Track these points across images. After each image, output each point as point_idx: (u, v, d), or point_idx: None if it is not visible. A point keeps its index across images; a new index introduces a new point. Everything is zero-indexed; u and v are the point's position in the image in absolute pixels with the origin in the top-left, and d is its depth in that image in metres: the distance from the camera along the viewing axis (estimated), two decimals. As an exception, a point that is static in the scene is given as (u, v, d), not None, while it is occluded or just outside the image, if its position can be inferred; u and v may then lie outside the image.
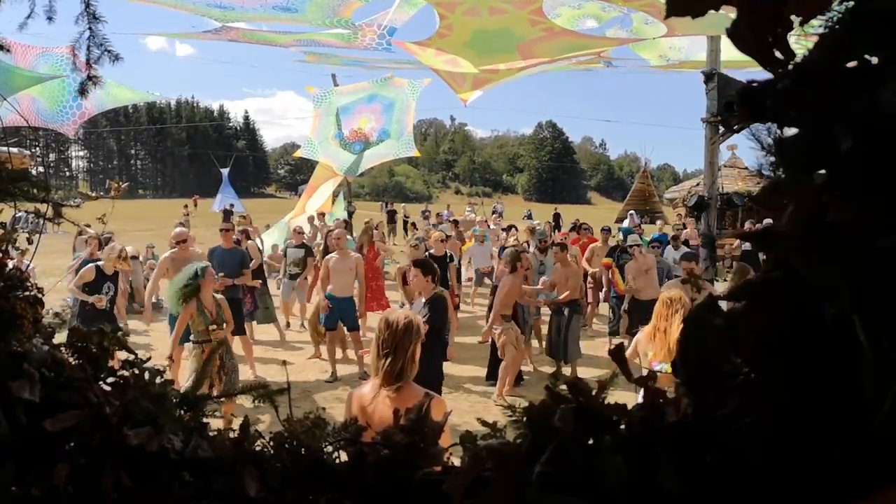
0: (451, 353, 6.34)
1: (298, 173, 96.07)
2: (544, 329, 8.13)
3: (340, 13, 7.65)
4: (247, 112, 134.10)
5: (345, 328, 7.66)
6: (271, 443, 0.88)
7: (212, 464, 0.83)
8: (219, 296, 5.83)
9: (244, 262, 7.77)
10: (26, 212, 1.13)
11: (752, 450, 0.60)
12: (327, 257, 7.77)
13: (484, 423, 0.89)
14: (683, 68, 9.50)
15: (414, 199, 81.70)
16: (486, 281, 11.34)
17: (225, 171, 25.02)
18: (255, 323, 8.84)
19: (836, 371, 0.59)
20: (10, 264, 1.06)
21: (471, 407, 6.34)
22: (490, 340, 7.05)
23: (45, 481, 0.76)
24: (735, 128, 0.68)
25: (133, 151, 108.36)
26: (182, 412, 0.94)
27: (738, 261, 13.03)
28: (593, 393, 0.75)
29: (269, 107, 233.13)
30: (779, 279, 0.63)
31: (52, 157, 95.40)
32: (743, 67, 7.36)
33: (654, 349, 4.13)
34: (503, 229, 10.82)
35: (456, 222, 14.77)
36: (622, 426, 0.70)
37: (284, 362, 8.06)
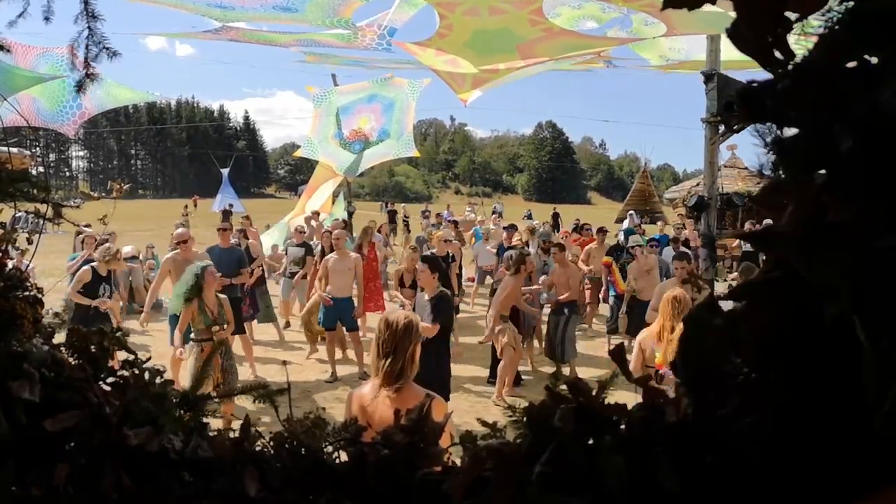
0: (457, 353, 6.35)
1: (298, 173, 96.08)
2: (544, 329, 8.14)
3: (341, 13, 7.64)
4: (247, 112, 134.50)
5: (344, 328, 7.67)
6: (271, 443, 0.88)
7: (212, 464, 0.83)
8: (222, 295, 5.85)
9: (242, 262, 7.77)
10: (26, 212, 1.13)
11: (752, 450, 0.60)
12: (326, 257, 7.77)
13: (484, 423, 0.89)
14: (683, 68, 9.50)
15: (414, 199, 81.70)
16: (489, 279, 11.35)
17: (225, 172, 25.05)
18: (255, 322, 8.83)
19: (836, 371, 0.59)
20: (10, 264, 1.06)
21: (471, 407, 6.34)
22: (492, 341, 7.06)
23: (45, 481, 0.76)
24: (735, 128, 0.68)
25: (133, 151, 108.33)
26: (182, 412, 0.94)
27: (739, 261, 13.04)
28: (593, 393, 0.75)
29: (269, 107, 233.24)
30: (779, 279, 0.63)
31: (52, 157, 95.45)
32: (743, 68, 7.35)
33: (662, 349, 4.13)
34: (505, 228, 10.82)
35: (456, 223, 14.78)
36: (622, 426, 0.70)
37: (284, 362, 8.06)
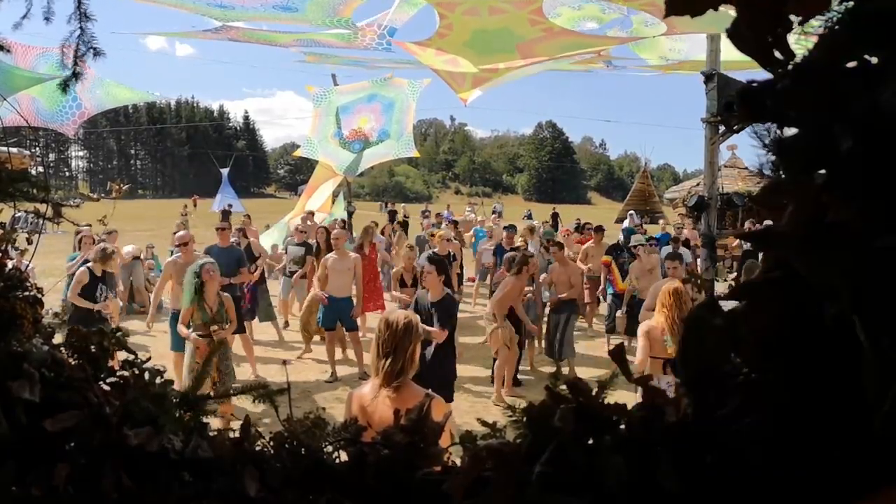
0: (458, 353, 6.35)
1: (298, 173, 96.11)
2: (544, 329, 8.14)
3: (341, 12, 7.64)
4: (247, 112, 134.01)
5: (343, 328, 7.67)
6: (271, 443, 0.88)
7: (212, 464, 0.83)
8: (224, 294, 5.85)
9: (241, 261, 7.77)
10: (26, 212, 1.13)
11: (752, 450, 0.60)
12: (325, 257, 7.77)
13: (484, 423, 0.89)
14: (683, 69, 9.49)
15: (414, 199, 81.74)
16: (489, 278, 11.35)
17: (225, 171, 25.08)
18: (255, 322, 8.84)
19: (836, 371, 0.59)
20: (10, 264, 1.06)
21: (471, 407, 6.34)
22: (491, 341, 7.06)
23: (45, 481, 0.76)
24: (735, 128, 0.68)
25: (133, 151, 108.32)
26: (182, 412, 0.94)
27: (740, 261, 13.04)
28: (593, 393, 0.75)
29: (269, 107, 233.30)
30: (779, 279, 0.63)
31: (52, 157, 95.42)
32: (743, 68, 7.35)
33: (674, 339, 4.17)
34: (505, 228, 10.83)
35: (455, 223, 14.79)
36: (622, 426, 0.70)
37: (284, 362, 8.06)
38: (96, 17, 1.34)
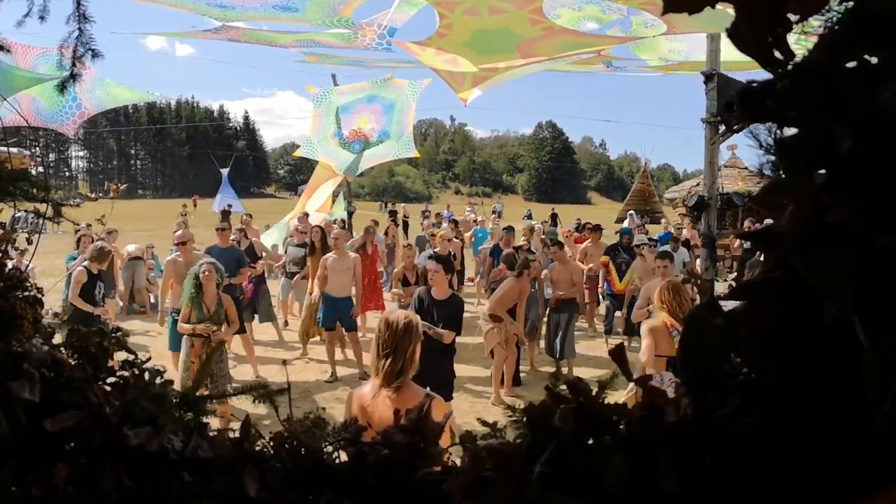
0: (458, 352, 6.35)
1: (298, 173, 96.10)
2: (544, 329, 8.14)
3: (341, 12, 7.64)
4: (247, 112, 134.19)
5: (343, 328, 7.67)
6: (271, 443, 0.88)
7: (212, 464, 0.83)
8: (225, 295, 5.86)
9: (241, 262, 7.77)
10: (26, 212, 1.13)
11: (752, 450, 0.60)
12: (325, 257, 7.77)
13: (484, 423, 0.89)
14: (683, 69, 9.49)
15: (414, 199, 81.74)
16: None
17: (225, 172, 25.09)
18: (255, 322, 8.84)
19: (836, 371, 0.59)
20: (10, 264, 1.06)
21: (471, 407, 6.34)
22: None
23: (45, 481, 0.76)
24: (735, 128, 0.68)
25: (133, 151, 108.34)
26: (182, 412, 0.94)
27: (740, 261, 13.03)
28: (593, 393, 0.75)
29: (269, 107, 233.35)
30: (779, 279, 0.63)
31: (52, 157, 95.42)
32: (743, 68, 7.35)
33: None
34: (503, 229, 10.83)
35: (456, 223, 14.80)
36: (622, 426, 0.70)
37: (284, 362, 8.06)
38: (95, 19, 1.34)
